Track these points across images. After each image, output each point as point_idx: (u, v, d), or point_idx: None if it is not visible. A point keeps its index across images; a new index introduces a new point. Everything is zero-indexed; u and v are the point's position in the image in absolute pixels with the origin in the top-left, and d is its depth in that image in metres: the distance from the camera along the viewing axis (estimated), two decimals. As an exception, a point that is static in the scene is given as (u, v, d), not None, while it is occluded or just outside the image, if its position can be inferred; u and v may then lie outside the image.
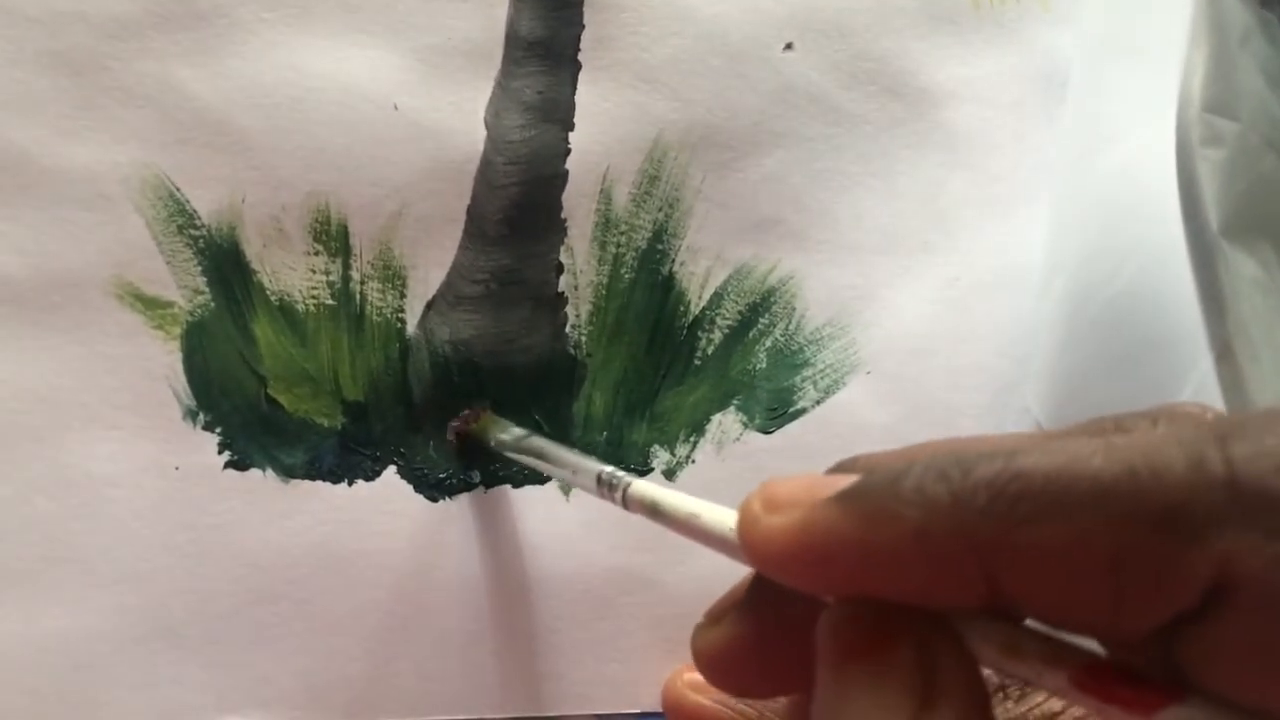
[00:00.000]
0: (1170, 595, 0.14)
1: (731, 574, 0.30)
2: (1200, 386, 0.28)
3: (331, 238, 0.28)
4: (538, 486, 0.29)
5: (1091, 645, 0.15)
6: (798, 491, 0.16)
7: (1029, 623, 0.16)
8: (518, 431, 0.28)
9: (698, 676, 0.28)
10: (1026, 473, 0.14)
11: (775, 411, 0.30)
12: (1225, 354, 0.26)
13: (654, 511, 0.21)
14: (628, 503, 0.22)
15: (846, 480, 0.16)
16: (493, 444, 0.28)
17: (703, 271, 0.30)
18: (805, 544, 0.16)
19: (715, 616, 0.20)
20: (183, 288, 0.28)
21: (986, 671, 0.16)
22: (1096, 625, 0.15)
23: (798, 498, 0.16)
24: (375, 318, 0.29)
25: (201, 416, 0.28)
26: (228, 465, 0.28)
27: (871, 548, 0.15)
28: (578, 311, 0.30)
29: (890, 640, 0.16)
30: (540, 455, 0.26)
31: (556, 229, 0.30)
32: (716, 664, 0.20)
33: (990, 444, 0.17)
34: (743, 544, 0.17)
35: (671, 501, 0.20)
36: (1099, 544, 0.14)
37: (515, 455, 0.27)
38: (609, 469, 0.23)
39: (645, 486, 0.22)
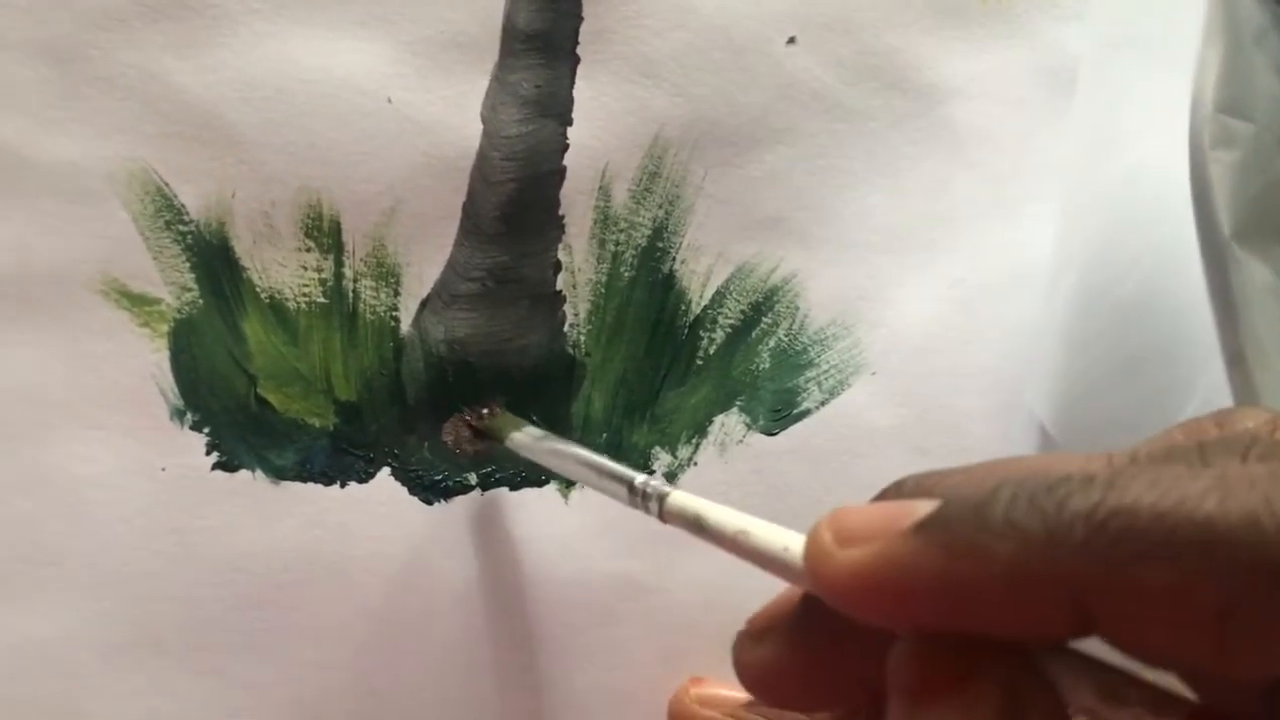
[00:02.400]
0: None
1: (736, 580, 0.29)
2: (1210, 393, 0.28)
3: (323, 234, 0.28)
4: (535, 489, 0.29)
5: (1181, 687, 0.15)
6: (872, 522, 0.15)
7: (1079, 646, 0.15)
8: (536, 432, 0.27)
9: (706, 690, 0.28)
10: (1130, 509, 0.13)
11: (779, 413, 0.30)
12: (1237, 361, 0.25)
13: (696, 526, 0.20)
14: (665, 515, 0.21)
15: (924, 508, 0.15)
16: (507, 443, 0.27)
17: (704, 270, 0.30)
18: (884, 579, 0.15)
19: (759, 632, 0.19)
20: (170, 284, 0.27)
21: None
22: (1200, 671, 0.14)
23: (873, 529, 0.15)
24: (368, 316, 0.28)
25: (189, 416, 0.27)
26: (216, 466, 0.27)
27: (956, 582, 0.14)
28: (576, 310, 0.29)
29: (972, 676, 0.15)
30: (561, 458, 0.25)
31: (554, 226, 0.29)
32: (761, 680, 0.19)
33: (1074, 467, 0.16)
34: (814, 578, 0.16)
35: (716, 516, 0.19)
36: (1209, 593, 0.13)
37: (532, 457, 0.26)
38: (643, 477, 0.22)
39: (686, 499, 0.20)
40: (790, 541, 0.17)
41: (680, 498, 0.21)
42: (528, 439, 0.26)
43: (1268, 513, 0.13)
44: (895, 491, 0.17)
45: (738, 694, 0.26)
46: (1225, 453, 0.15)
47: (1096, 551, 0.13)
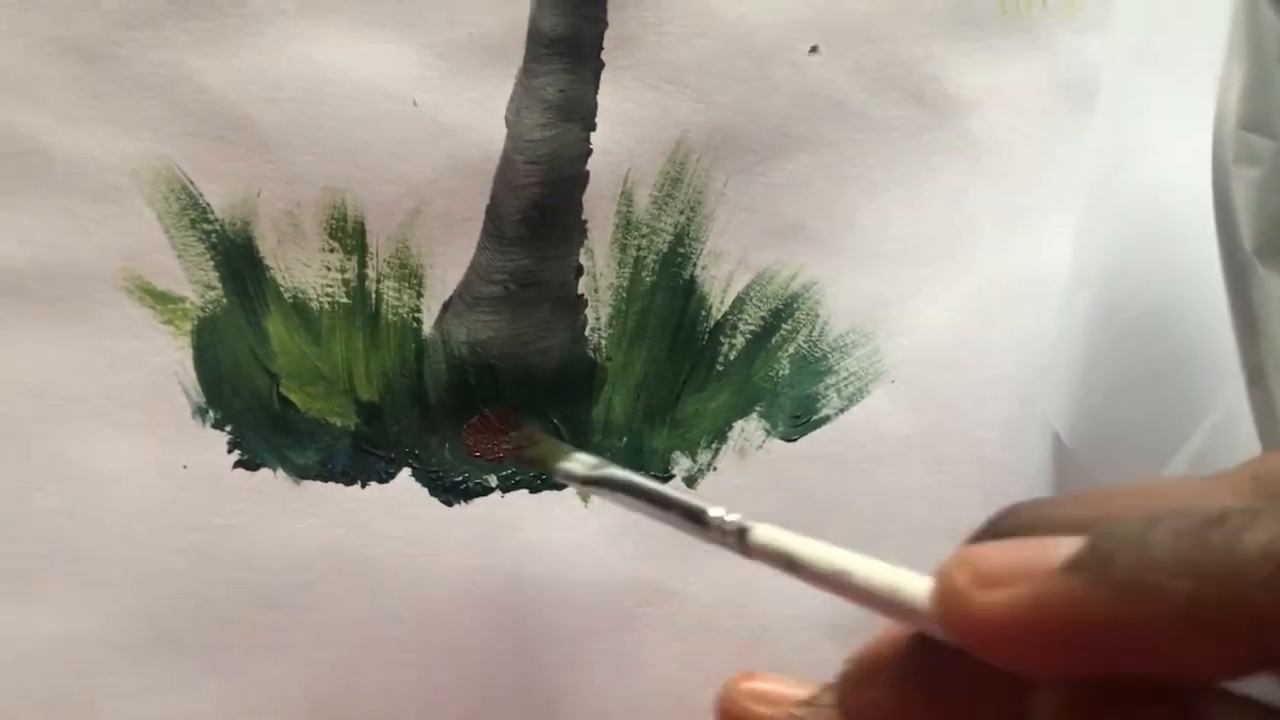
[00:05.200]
0: None
1: (755, 584, 0.29)
2: (1229, 410, 0.28)
3: (348, 235, 0.28)
4: (555, 492, 0.29)
5: None
6: (1013, 562, 0.15)
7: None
8: (590, 460, 0.26)
9: (757, 685, 0.27)
10: None
11: (799, 419, 0.30)
12: (1256, 377, 0.25)
13: (788, 564, 0.19)
14: (749, 550, 0.20)
15: (1066, 546, 0.14)
16: (559, 476, 0.26)
17: (725, 276, 0.30)
18: (1040, 624, 0.14)
19: (868, 673, 0.18)
20: (194, 283, 0.27)
21: None
22: None
23: (1015, 570, 0.15)
24: (391, 317, 0.28)
25: (211, 414, 0.27)
26: (237, 465, 0.27)
27: (1126, 624, 0.14)
28: (597, 314, 0.29)
29: None
30: (624, 489, 0.24)
31: (577, 230, 0.29)
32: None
33: (1195, 496, 0.15)
34: (949, 624, 0.15)
35: (811, 554, 0.18)
36: None
37: (584, 486, 0.25)
38: (718, 510, 0.21)
39: (775, 534, 0.19)
40: (899, 582, 0.17)
41: (767, 533, 0.19)
42: (580, 468, 0.25)
43: None
44: (1008, 525, 0.17)
45: (792, 690, 0.25)
46: None
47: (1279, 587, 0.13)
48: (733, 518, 0.20)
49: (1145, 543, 0.14)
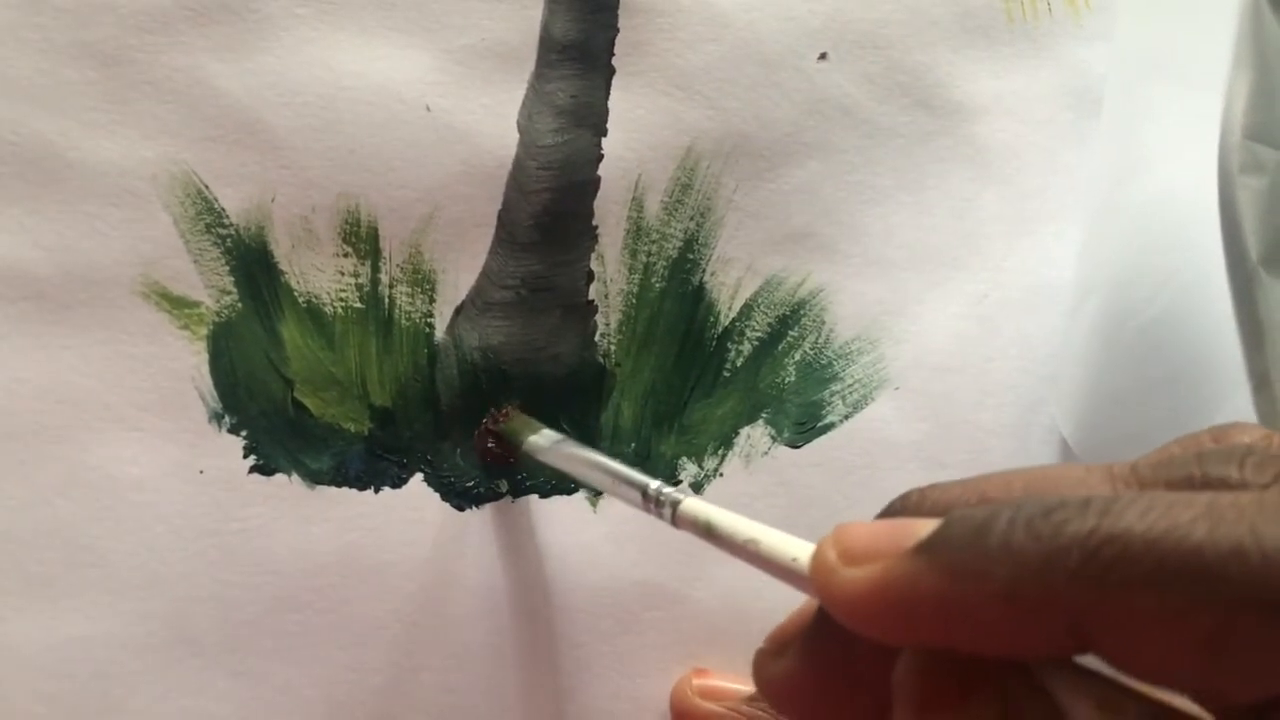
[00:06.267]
0: (1276, 679, 0.14)
1: (759, 589, 0.29)
2: (1234, 417, 0.28)
3: (361, 240, 0.28)
4: (565, 497, 0.29)
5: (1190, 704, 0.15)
6: (876, 541, 0.16)
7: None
8: (553, 435, 0.27)
9: (708, 682, 0.28)
10: (1122, 537, 0.14)
11: (804, 425, 0.30)
12: (1262, 385, 0.26)
13: (707, 532, 0.20)
14: (677, 521, 0.21)
15: (924, 528, 0.16)
16: (524, 447, 0.27)
17: (733, 282, 0.30)
18: (887, 599, 0.15)
19: (779, 646, 0.20)
20: (210, 288, 0.27)
21: None
22: (1192, 690, 0.15)
23: (876, 548, 0.16)
24: (404, 322, 0.28)
25: (227, 419, 0.27)
26: (253, 470, 0.27)
27: (957, 604, 0.15)
28: (607, 320, 0.29)
29: (972, 691, 0.15)
30: (577, 463, 0.26)
31: (588, 235, 0.29)
32: (781, 693, 0.19)
33: (1070, 484, 0.16)
34: (820, 595, 0.17)
35: (728, 524, 0.20)
36: (1198, 620, 0.13)
37: (548, 460, 0.27)
38: (656, 484, 0.22)
39: (699, 506, 0.21)
40: (799, 552, 0.18)
41: (692, 504, 0.21)
42: (544, 442, 0.27)
43: (1254, 544, 0.13)
44: (900, 506, 0.18)
45: (740, 687, 0.27)
46: (1223, 462, 0.16)
47: (1090, 577, 0.14)
48: (668, 491, 0.22)
49: (982, 529, 0.15)
